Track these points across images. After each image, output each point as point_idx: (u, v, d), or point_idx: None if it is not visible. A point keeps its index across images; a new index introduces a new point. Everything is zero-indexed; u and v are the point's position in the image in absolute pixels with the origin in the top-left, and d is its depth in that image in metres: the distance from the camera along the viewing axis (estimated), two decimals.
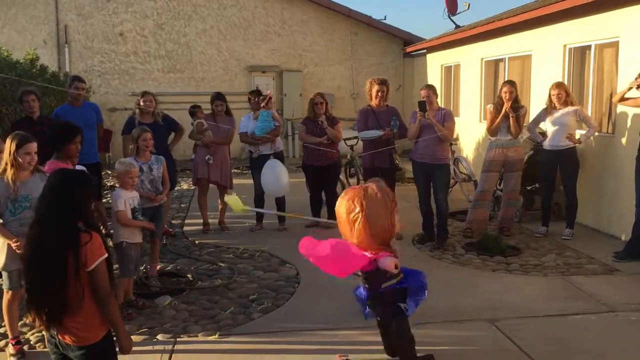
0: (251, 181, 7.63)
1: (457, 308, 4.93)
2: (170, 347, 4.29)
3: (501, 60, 10.28)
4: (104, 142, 11.00)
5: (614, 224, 7.02)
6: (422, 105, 6.48)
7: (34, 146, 4.08)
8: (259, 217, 7.67)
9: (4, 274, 4.14)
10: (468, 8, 14.04)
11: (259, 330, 4.58)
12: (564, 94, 6.87)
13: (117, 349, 2.92)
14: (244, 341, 4.42)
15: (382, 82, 7.02)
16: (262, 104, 7.35)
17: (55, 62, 13.66)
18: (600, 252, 6.37)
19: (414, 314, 3.73)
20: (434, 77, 13.34)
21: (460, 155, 10.22)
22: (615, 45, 7.10)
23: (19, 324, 4.42)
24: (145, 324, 4.72)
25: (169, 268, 6.11)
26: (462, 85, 11.82)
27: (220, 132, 7.44)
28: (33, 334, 4.52)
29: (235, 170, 10.25)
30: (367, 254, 3.48)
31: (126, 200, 4.84)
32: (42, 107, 7.00)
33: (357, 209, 3.45)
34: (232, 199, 4.28)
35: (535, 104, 8.25)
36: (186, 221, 8.23)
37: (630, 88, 6.24)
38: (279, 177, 7.07)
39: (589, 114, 7.42)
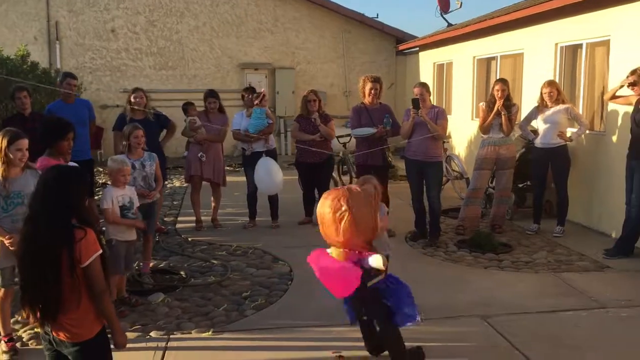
0: (244, 178, 7.62)
1: (450, 304, 4.96)
2: (163, 344, 4.29)
3: (493, 58, 10.32)
4: (95, 139, 10.94)
5: (604, 221, 7.08)
6: (415, 103, 6.50)
7: (25, 142, 4.06)
8: (252, 214, 7.67)
9: None
10: (460, 6, 14.07)
11: (252, 327, 4.59)
12: (555, 92, 6.91)
13: (112, 345, 2.92)
14: (238, 338, 4.42)
15: (376, 80, 7.03)
16: (256, 102, 7.34)
17: (46, 58, 13.57)
18: (591, 249, 6.43)
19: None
20: (427, 75, 13.37)
21: (452, 153, 10.26)
22: (606, 43, 7.15)
23: (12, 321, 4.40)
24: (138, 321, 4.71)
25: (162, 265, 6.11)
26: (455, 83, 11.86)
27: (213, 129, 7.43)
28: (25, 331, 4.51)
29: (228, 168, 10.23)
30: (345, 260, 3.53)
31: (114, 197, 4.81)
32: (33, 103, 6.97)
33: (344, 207, 3.45)
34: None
35: (527, 102, 8.29)
36: (179, 219, 8.22)
37: (622, 86, 6.29)
38: (272, 175, 7.07)
39: (580, 112, 7.47)
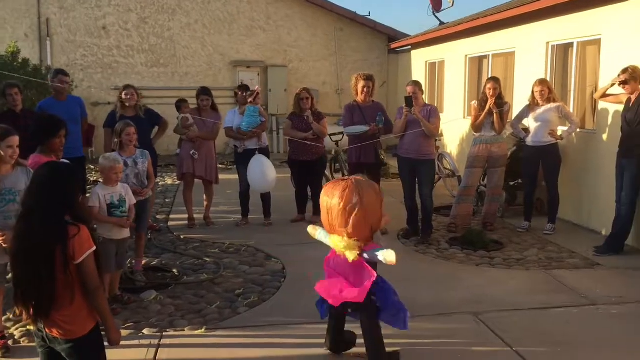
0: (236, 176, 7.62)
1: (441, 301, 4.99)
2: (156, 341, 4.29)
3: (485, 57, 10.36)
4: (86, 137, 10.88)
5: (594, 219, 7.13)
6: (408, 101, 6.52)
7: (16, 139, 4.04)
8: (245, 211, 7.67)
9: None
10: (452, 5, 14.13)
11: (245, 325, 4.59)
12: (546, 91, 6.95)
13: (105, 342, 2.91)
14: (231, 335, 4.42)
15: (368, 78, 7.04)
16: (250, 100, 7.34)
17: (37, 55, 13.46)
18: (581, 247, 6.47)
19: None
20: (419, 73, 13.40)
21: (444, 151, 10.29)
22: (597, 42, 7.20)
23: (4, 319, 4.39)
24: (131, 318, 4.70)
25: (154, 263, 6.09)
26: (447, 81, 11.89)
27: (205, 127, 7.42)
28: (17, 329, 4.48)
29: (220, 166, 10.22)
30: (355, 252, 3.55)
31: (102, 195, 4.76)
32: (24, 100, 6.93)
33: (356, 199, 3.49)
34: None
35: (519, 100, 8.33)
36: (171, 216, 8.20)
37: (613, 85, 6.33)
38: (265, 172, 7.07)
39: (571, 110, 7.51)
